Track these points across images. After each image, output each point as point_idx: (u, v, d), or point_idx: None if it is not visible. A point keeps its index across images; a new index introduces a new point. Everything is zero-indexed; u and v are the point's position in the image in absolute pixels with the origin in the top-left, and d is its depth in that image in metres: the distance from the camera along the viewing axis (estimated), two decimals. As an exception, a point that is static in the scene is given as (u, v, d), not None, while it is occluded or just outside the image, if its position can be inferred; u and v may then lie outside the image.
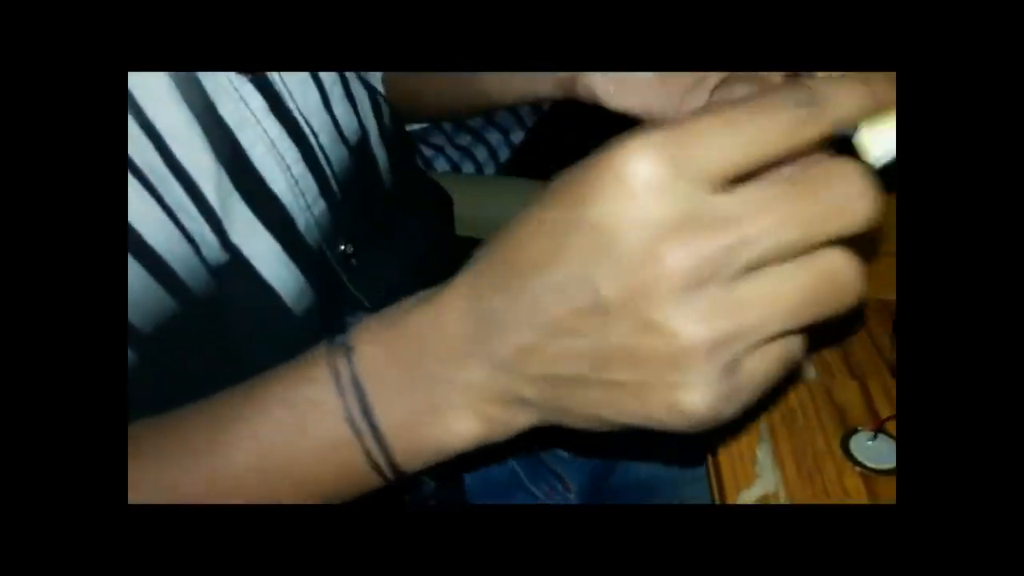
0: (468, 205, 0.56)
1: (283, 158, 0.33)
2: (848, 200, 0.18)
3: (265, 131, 0.32)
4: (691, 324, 0.18)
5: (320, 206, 0.34)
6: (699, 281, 0.18)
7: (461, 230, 0.53)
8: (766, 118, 0.18)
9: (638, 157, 0.18)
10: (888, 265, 0.32)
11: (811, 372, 0.35)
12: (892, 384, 0.34)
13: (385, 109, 0.41)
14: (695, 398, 0.19)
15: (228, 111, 0.31)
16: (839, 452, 0.31)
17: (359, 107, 0.38)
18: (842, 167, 0.18)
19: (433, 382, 0.22)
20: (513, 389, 0.21)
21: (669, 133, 0.18)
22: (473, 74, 0.43)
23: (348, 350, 0.22)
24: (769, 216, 0.18)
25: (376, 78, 0.42)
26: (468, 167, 0.89)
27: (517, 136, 0.96)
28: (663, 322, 0.18)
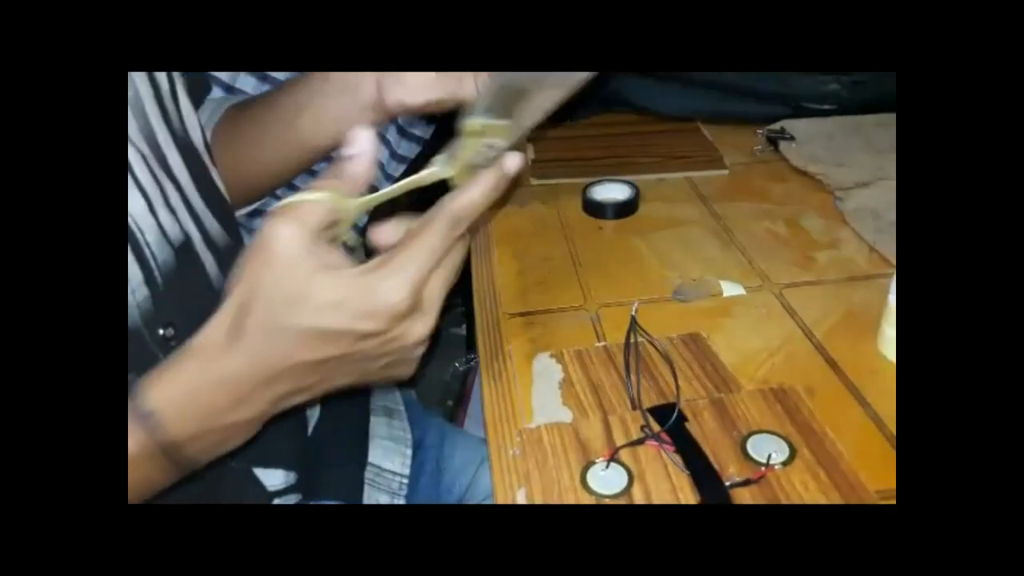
0: None
1: None
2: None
3: None
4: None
5: (143, 293, 0.37)
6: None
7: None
8: (432, 239, 0.32)
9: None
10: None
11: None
12: (630, 415, 0.38)
13: (207, 218, 0.43)
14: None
15: None
16: (579, 484, 0.34)
17: (179, 215, 0.41)
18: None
19: (218, 422, 0.32)
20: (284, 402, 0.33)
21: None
22: (290, 131, 0.48)
23: (147, 416, 0.31)
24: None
25: (210, 185, 0.45)
26: None
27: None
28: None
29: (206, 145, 0.45)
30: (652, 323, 0.46)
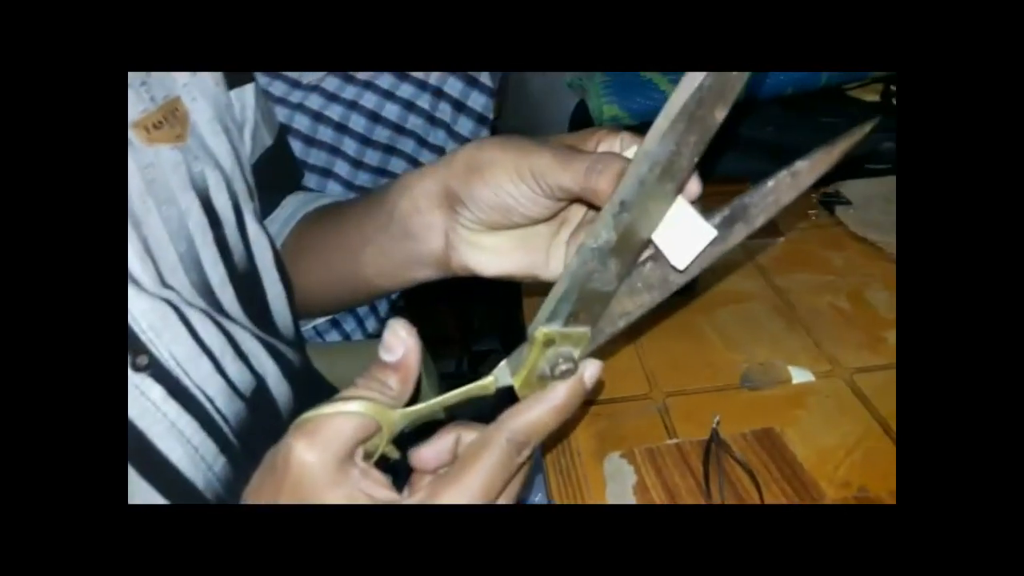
0: (346, 371, 0.63)
1: (182, 432, 0.36)
2: None
3: (165, 415, 0.35)
4: None
5: (220, 462, 0.37)
6: None
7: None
8: (488, 472, 0.28)
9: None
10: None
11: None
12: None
13: (285, 349, 0.42)
14: None
15: (130, 405, 0.33)
16: None
17: (252, 360, 0.40)
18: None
19: None
20: None
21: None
22: (354, 265, 0.43)
23: None
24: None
25: (278, 319, 0.44)
26: (350, 323, 0.95)
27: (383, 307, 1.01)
28: None
29: (277, 260, 0.45)
30: (722, 415, 0.45)
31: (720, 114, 0.28)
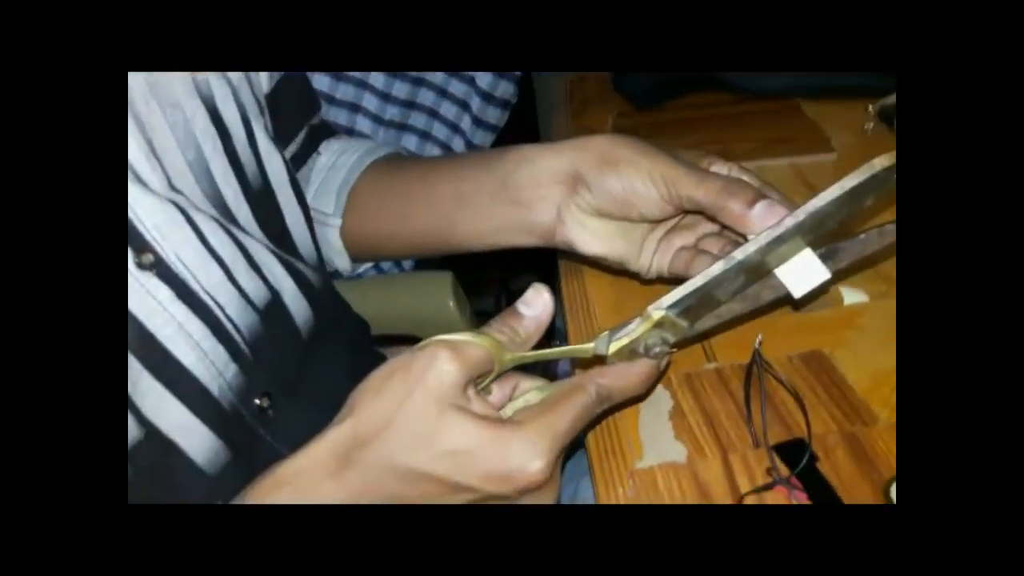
0: (378, 304, 0.61)
1: (191, 336, 0.35)
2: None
3: (172, 316, 0.35)
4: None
5: (231, 370, 0.37)
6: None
7: (376, 328, 0.57)
8: (576, 411, 0.31)
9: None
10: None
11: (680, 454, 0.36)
12: (753, 454, 0.35)
13: (304, 268, 0.42)
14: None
15: (135, 304, 0.33)
16: None
17: (266, 273, 0.40)
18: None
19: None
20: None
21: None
22: (442, 222, 0.46)
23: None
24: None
25: (300, 229, 0.44)
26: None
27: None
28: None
29: (293, 182, 0.44)
30: (768, 340, 0.42)
31: (870, 201, 0.34)
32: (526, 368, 0.34)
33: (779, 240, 0.33)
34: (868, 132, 0.64)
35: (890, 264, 0.48)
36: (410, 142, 0.96)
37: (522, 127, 0.97)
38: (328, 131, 0.56)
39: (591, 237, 0.41)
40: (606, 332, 0.33)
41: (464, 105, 0.96)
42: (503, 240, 0.45)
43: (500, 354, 0.31)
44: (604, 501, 0.35)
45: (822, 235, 0.35)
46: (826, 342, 0.42)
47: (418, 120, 0.97)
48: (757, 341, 0.36)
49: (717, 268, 0.32)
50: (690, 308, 0.33)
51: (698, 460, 0.35)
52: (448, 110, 0.97)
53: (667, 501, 0.33)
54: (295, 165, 0.51)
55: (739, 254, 0.32)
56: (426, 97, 0.96)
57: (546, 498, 0.30)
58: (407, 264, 0.97)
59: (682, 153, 0.41)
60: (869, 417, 0.36)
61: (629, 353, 0.33)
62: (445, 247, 0.47)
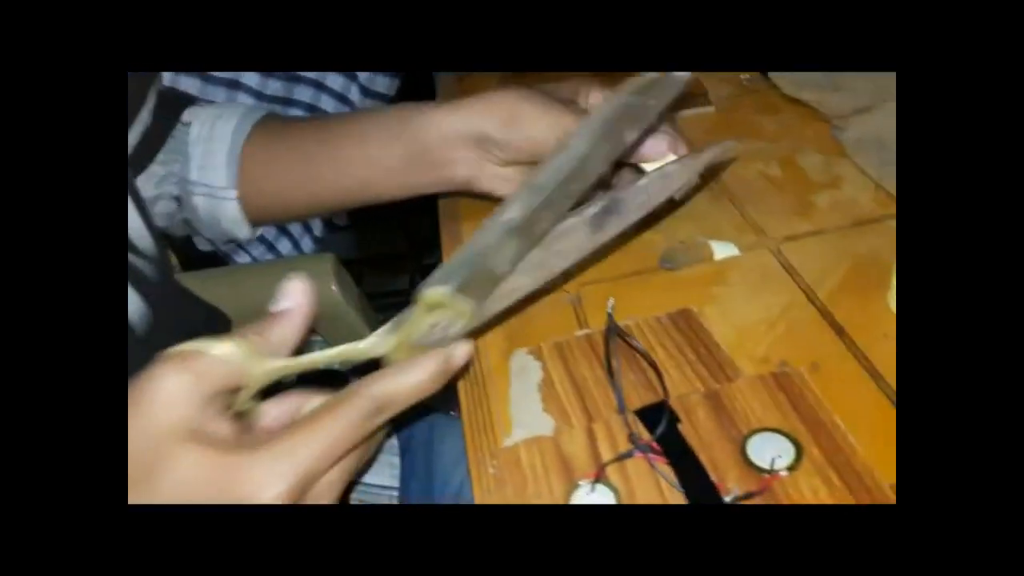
0: (253, 294, 0.57)
1: None
2: None
3: None
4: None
5: None
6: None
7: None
8: (338, 428, 0.26)
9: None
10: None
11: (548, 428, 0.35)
12: (618, 421, 0.34)
13: (133, 259, 0.39)
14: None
15: None
16: None
17: None
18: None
19: None
20: None
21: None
22: (351, 181, 0.47)
23: None
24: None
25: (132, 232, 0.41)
26: (285, 244, 0.91)
27: (308, 243, 0.96)
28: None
29: None
30: (638, 300, 0.42)
31: (631, 136, 0.35)
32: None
33: (541, 191, 0.31)
34: (745, 83, 0.64)
35: (761, 212, 0.48)
36: None
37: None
38: (185, 97, 0.52)
39: (506, 182, 0.45)
40: (383, 327, 0.29)
41: (343, 99, 0.92)
42: (421, 192, 0.48)
43: (253, 364, 0.26)
44: (475, 482, 0.34)
45: (592, 187, 0.35)
46: (696, 299, 0.42)
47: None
48: (609, 305, 0.35)
49: (477, 236, 0.30)
50: (467, 284, 0.30)
51: (564, 432, 0.34)
52: (327, 104, 0.92)
53: (529, 478, 0.32)
54: (151, 139, 0.47)
55: (497, 215, 0.30)
56: (303, 93, 0.91)
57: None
58: (306, 245, 0.93)
59: (565, 86, 0.49)
60: (733, 373, 0.36)
61: (412, 349, 0.29)
62: (358, 203, 0.49)
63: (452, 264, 0.29)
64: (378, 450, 0.38)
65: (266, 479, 0.24)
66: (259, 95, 0.91)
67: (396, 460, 0.49)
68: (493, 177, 0.45)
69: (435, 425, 0.55)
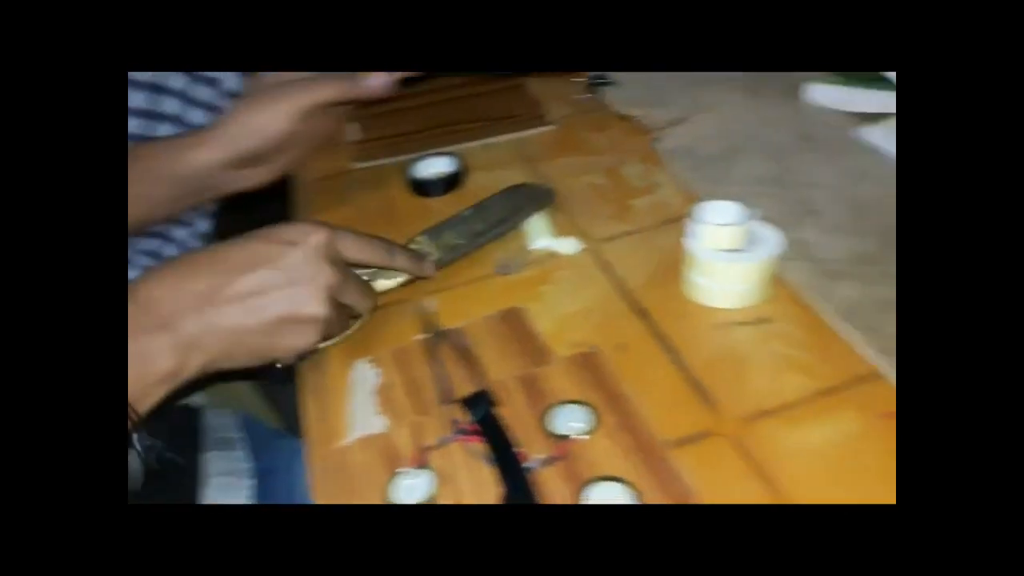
0: None
1: None
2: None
3: None
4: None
5: None
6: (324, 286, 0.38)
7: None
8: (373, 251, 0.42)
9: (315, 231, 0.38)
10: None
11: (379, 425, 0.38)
12: (445, 412, 0.37)
13: None
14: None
15: None
16: (385, 500, 0.33)
17: None
18: None
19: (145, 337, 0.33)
20: (197, 343, 0.34)
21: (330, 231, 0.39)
22: (218, 187, 0.50)
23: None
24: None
25: None
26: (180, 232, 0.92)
27: (204, 225, 0.98)
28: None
29: None
30: (476, 304, 0.46)
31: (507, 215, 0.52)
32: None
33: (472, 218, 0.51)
34: (582, 102, 0.70)
35: (587, 218, 0.53)
36: None
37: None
38: None
39: (270, 171, 0.52)
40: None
41: (212, 108, 0.92)
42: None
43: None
44: (313, 486, 0.36)
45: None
46: (525, 298, 0.46)
47: (165, 131, 0.91)
48: (431, 307, 0.38)
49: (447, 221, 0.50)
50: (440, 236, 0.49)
51: (395, 428, 0.37)
52: (195, 116, 0.92)
53: (359, 473, 0.35)
54: None
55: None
56: (171, 106, 0.91)
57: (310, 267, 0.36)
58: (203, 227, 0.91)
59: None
60: (549, 358, 0.40)
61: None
62: (218, 196, 0.52)
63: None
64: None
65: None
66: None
67: (250, 483, 0.50)
68: (259, 175, 0.50)
69: (295, 452, 0.56)
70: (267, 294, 0.35)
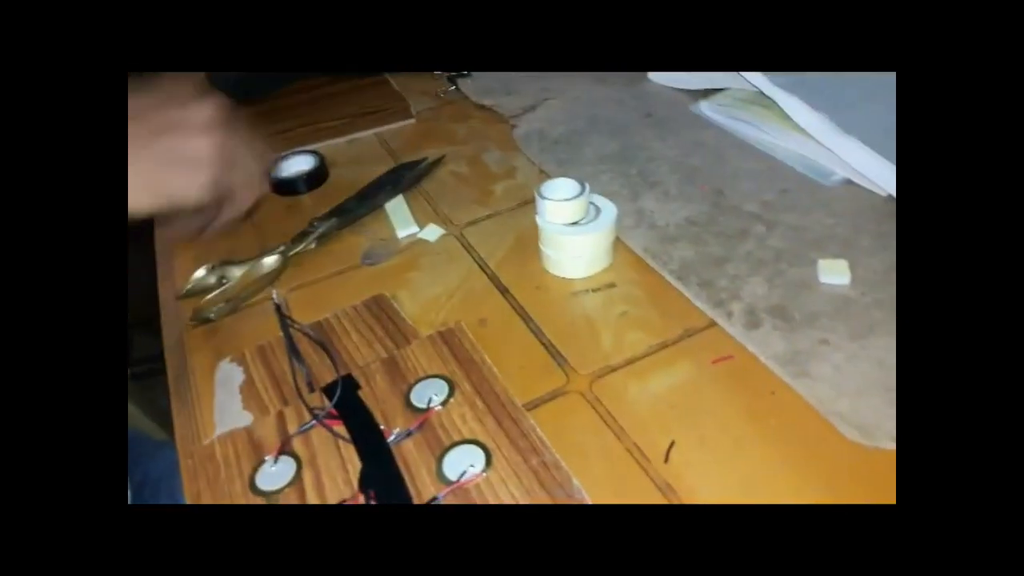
0: None
1: None
2: None
3: None
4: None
5: None
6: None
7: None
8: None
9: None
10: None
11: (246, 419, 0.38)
12: (310, 399, 0.38)
13: None
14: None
15: None
16: (248, 488, 0.34)
17: None
18: None
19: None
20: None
21: None
22: None
23: None
24: None
25: None
26: None
27: None
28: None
29: None
30: (342, 295, 0.47)
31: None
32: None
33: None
34: (442, 95, 0.71)
35: (450, 205, 0.55)
36: None
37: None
38: None
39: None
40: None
41: None
42: None
43: None
44: (184, 484, 0.36)
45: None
46: (391, 285, 0.47)
47: None
48: (275, 296, 0.39)
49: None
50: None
51: (259, 421, 0.38)
52: None
53: (222, 467, 0.35)
54: None
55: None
56: None
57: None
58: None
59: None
60: (412, 339, 0.42)
61: None
62: None
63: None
64: None
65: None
66: None
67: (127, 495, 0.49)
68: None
69: (175, 459, 0.55)
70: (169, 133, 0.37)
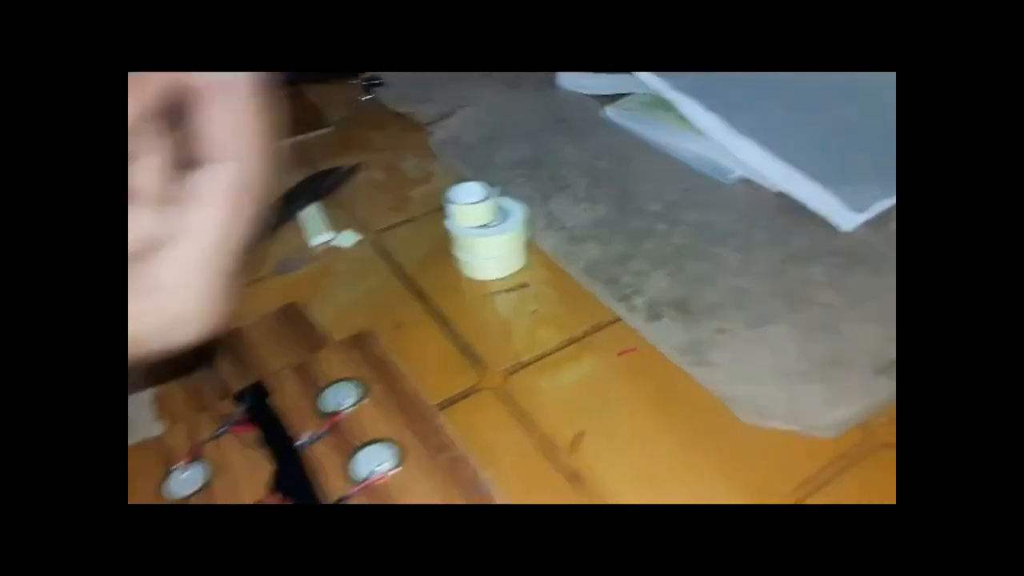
0: None
1: None
2: None
3: None
4: None
5: None
6: None
7: None
8: None
9: None
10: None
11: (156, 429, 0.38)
12: (221, 407, 0.38)
13: None
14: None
15: None
16: (157, 496, 0.34)
17: None
18: None
19: None
20: None
21: None
22: None
23: None
24: None
25: None
26: None
27: None
28: None
29: None
30: (256, 305, 0.46)
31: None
32: None
33: None
34: (362, 102, 0.72)
35: (367, 211, 0.55)
36: None
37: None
38: None
39: None
40: None
41: None
42: None
43: None
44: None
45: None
46: (307, 294, 0.47)
47: None
48: None
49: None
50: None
51: (173, 430, 0.37)
52: None
53: (135, 476, 0.35)
54: None
55: None
56: None
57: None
58: None
59: None
60: (325, 343, 0.42)
61: None
62: None
63: None
64: None
65: None
66: None
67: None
68: None
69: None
70: None
